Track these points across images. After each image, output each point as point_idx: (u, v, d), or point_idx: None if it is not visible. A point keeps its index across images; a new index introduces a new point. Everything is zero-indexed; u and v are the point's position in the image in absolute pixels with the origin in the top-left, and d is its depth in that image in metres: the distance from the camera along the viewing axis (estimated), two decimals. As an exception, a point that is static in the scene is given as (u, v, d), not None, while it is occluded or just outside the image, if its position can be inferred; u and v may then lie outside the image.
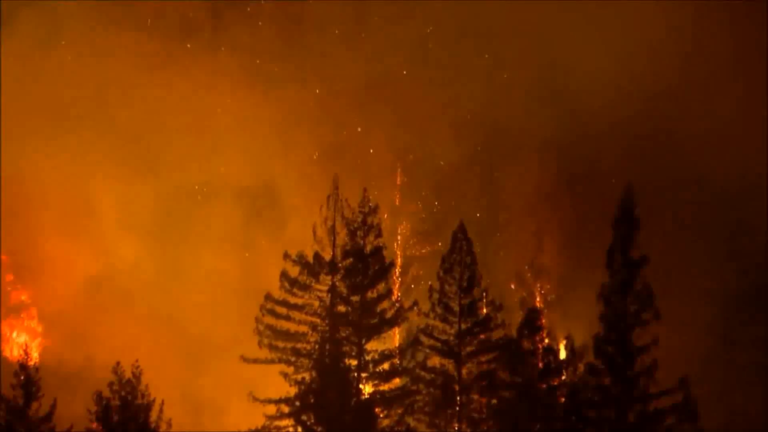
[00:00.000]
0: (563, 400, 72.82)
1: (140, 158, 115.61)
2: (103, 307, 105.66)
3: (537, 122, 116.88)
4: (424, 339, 76.96)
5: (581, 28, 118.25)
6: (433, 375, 76.57)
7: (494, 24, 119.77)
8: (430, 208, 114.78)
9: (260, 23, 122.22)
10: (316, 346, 77.23)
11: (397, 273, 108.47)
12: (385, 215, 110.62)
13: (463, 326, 76.57)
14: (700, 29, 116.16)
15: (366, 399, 75.49)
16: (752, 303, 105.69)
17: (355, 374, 76.41)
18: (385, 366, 77.46)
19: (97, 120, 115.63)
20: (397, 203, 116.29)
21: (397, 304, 78.85)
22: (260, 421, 77.29)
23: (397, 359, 77.78)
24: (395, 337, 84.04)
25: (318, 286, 78.36)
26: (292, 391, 76.10)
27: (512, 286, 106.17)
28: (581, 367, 71.91)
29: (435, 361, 76.79)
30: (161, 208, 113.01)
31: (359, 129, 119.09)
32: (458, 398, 76.22)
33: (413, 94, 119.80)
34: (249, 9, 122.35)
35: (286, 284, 78.11)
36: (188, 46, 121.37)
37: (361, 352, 77.23)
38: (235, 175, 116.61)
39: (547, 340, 74.34)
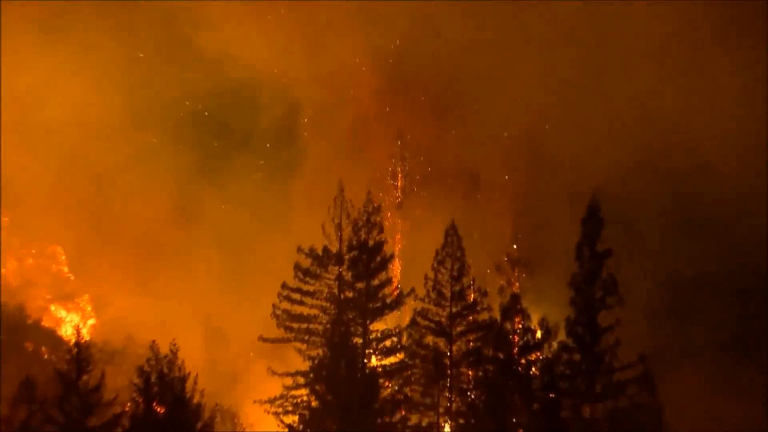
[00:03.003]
0: (539, 373, 72.31)
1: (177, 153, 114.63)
2: (145, 293, 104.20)
3: (522, 130, 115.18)
4: (420, 320, 77.11)
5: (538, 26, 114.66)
6: (427, 351, 76.66)
7: (474, 23, 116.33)
8: (427, 208, 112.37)
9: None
10: (327, 327, 77.07)
11: (397, 264, 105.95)
12: (389, 214, 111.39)
13: (454, 309, 76.74)
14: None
15: (370, 372, 75.04)
16: (705, 289, 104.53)
17: (361, 351, 76.21)
18: (387, 343, 77.54)
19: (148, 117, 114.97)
20: (398, 203, 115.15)
21: (396, 291, 79.34)
22: (278, 392, 77.96)
23: (396, 338, 77.79)
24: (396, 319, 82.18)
25: (327, 275, 78.50)
26: (306, 365, 76.74)
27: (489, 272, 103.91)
28: (554, 344, 71.99)
29: (429, 339, 76.83)
30: (198, 204, 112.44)
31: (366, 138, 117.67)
32: (449, 371, 76.31)
33: (414, 104, 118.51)
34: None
35: (300, 274, 78.45)
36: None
37: (366, 332, 77.25)
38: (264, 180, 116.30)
39: (524, 322, 73.52)
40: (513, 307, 73.77)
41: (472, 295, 77.99)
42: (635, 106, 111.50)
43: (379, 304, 77.94)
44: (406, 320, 79.90)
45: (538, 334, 73.23)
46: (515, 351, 72.99)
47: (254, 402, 79.04)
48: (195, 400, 68.76)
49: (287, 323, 78.31)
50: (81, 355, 68.21)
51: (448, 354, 76.51)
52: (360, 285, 77.85)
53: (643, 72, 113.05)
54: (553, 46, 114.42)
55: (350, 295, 78.08)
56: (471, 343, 76.47)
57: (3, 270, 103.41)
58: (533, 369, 72.92)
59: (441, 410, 76.10)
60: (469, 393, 75.16)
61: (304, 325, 78.37)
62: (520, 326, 73.45)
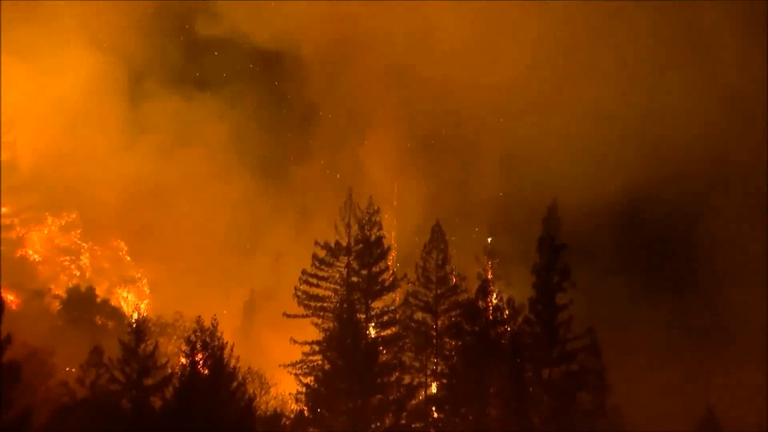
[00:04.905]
0: (507, 342, 76.29)
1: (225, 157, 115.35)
2: (192, 277, 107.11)
3: (497, 145, 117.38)
4: (411, 300, 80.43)
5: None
6: (417, 325, 79.98)
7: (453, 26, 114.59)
8: (417, 210, 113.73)
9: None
10: (338, 305, 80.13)
11: (394, 255, 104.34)
12: (386, 215, 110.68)
13: (439, 291, 79.99)
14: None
15: (371, 341, 77.75)
16: (640, 273, 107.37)
17: (364, 324, 79.12)
18: (385, 318, 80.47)
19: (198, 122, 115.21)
20: (395, 206, 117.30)
21: (393, 276, 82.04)
22: (298, 357, 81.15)
23: (392, 314, 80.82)
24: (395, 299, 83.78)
25: (338, 264, 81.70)
26: (320, 336, 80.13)
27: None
28: (520, 320, 76.75)
29: (419, 315, 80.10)
30: (242, 205, 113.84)
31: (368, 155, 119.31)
32: (435, 341, 79.26)
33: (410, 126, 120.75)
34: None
35: (316, 262, 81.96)
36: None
37: (368, 309, 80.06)
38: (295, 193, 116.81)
39: (495, 301, 77.41)
40: (486, 290, 78.01)
41: (454, 280, 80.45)
42: (602, 114, 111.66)
43: (378, 287, 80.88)
44: (400, 299, 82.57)
45: (507, 312, 77.07)
46: (488, 325, 76.84)
47: (279, 366, 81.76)
48: (231, 365, 71.09)
49: (306, 302, 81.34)
50: (139, 327, 71.68)
51: (434, 327, 79.54)
52: (364, 272, 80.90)
53: (630, 74, 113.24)
54: (546, 47, 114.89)
55: (356, 279, 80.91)
56: (452, 319, 79.17)
57: (79, 261, 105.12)
58: (503, 339, 76.67)
59: (428, 372, 78.96)
60: (451, 359, 78.09)
61: (319, 304, 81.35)
62: (492, 305, 77.18)
